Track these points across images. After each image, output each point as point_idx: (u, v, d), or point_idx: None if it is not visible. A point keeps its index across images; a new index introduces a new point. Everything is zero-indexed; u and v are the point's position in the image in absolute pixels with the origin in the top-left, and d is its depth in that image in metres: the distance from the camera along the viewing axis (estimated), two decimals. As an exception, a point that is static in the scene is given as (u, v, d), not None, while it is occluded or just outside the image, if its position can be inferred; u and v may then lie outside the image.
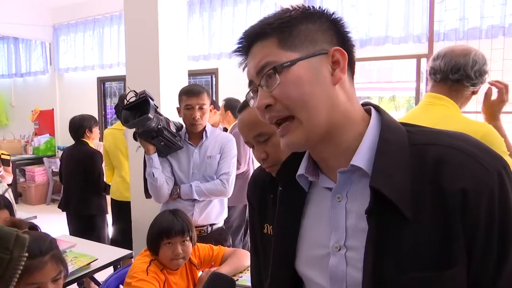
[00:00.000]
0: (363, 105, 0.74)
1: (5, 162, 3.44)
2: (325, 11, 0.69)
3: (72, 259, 2.11)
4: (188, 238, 1.78)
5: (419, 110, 1.60)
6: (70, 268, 1.99)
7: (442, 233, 0.59)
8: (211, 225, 2.27)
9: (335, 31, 0.68)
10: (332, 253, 0.69)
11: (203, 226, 2.25)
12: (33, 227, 1.45)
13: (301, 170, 0.74)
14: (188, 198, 2.18)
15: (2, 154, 3.47)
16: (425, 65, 3.89)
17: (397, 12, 4.03)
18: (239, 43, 0.71)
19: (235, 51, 0.71)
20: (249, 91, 0.72)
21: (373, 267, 0.61)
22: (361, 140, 0.66)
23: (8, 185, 3.59)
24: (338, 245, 0.68)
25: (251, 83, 0.71)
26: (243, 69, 0.73)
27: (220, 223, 2.34)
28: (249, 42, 0.69)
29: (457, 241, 0.59)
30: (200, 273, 1.91)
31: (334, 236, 0.69)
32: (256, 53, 0.68)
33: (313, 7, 0.69)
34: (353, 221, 0.67)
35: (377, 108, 0.72)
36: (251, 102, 0.72)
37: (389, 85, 7.41)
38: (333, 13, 0.69)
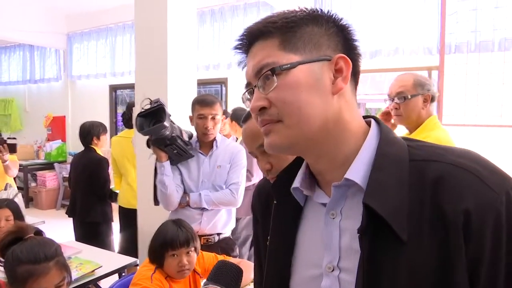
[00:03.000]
0: (365, 117, 0.70)
1: (12, 148, 3.30)
2: (334, 15, 0.65)
3: (77, 265, 2.11)
4: (192, 249, 1.78)
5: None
6: (75, 275, 1.99)
7: (442, 258, 0.55)
8: (218, 234, 2.27)
9: (342, 38, 0.65)
10: (325, 274, 0.65)
11: (211, 235, 2.24)
12: (39, 233, 1.46)
13: (296, 183, 0.70)
14: (197, 207, 2.18)
15: (8, 138, 3.35)
16: (436, 78, 3.87)
17: (408, 23, 4.01)
18: (239, 40, 0.67)
19: (235, 47, 0.68)
20: (245, 92, 0.69)
21: None
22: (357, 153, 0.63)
23: (18, 188, 3.62)
24: (331, 265, 0.64)
25: (248, 84, 0.68)
26: (243, 68, 0.70)
27: (227, 233, 2.33)
28: (250, 40, 0.66)
29: (459, 267, 0.54)
30: (203, 282, 1.89)
31: (327, 256, 0.65)
32: (256, 52, 0.65)
33: (321, 10, 0.65)
34: (347, 241, 0.63)
35: (378, 121, 0.68)
36: (247, 104, 0.70)
37: (400, 96, 7.36)
38: (341, 19, 0.66)
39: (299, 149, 0.66)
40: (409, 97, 1.88)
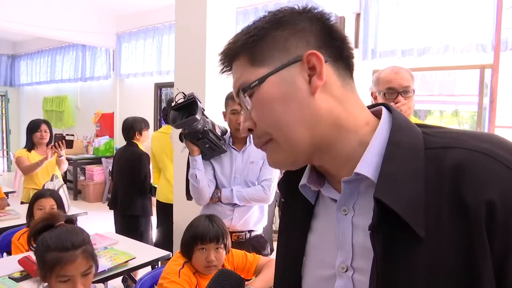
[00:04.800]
0: (374, 106, 0.65)
1: (69, 144, 3.43)
2: (297, 10, 0.61)
3: (112, 255, 2.16)
4: (222, 246, 1.76)
5: None
6: (109, 264, 2.04)
7: (464, 254, 0.49)
8: (250, 231, 2.24)
9: (313, 31, 0.59)
10: (338, 274, 0.60)
11: (242, 232, 2.22)
12: (70, 221, 1.49)
13: (303, 179, 0.66)
14: (228, 202, 2.17)
15: (66, 135, 3.47)
16: (489, 77, 3.62)
17: (459, 18, 3.78)
18: (220, 65, 0.66)
19: (221, 72, 0.66)
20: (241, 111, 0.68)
21: None
22: (367, 146, 0.57)
23: (69, 181, 3.78)
24: (345, 265, 0.59)
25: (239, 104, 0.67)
26: None
27: (259, 231, 2.29)
28: (228, 62, 0.65)
29: (484, 264, 0.49)
30: None
31: (340, 255, 0.60)
32: (233, 73, 0.64)
33: (287, 8, 0.61)
34: (361, 238, 0.58)
35: (389, 108, 0.62)
36: None
37: (452, 98, 7.00)
38: (312, 10, 0.61)
39: (303, 161, 0.63)
40: (414, 91, 1.80)
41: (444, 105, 7.96)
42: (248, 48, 0.60)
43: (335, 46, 0.60)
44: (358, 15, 4.41)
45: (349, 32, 4.48)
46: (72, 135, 3.56)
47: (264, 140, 0.62)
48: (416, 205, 0.52)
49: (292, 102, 0.58)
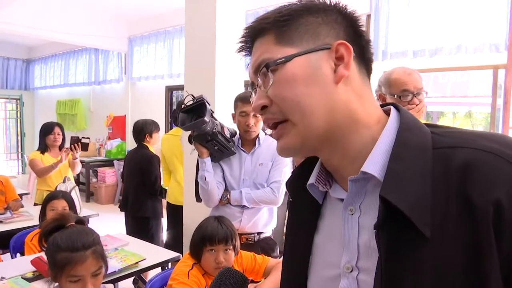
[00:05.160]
0: (383, 105, 0.65)
1: (84, 147, 3.49)
2: (331, 2, 0.62)
3: (122, 256, 2.18)
4: (231, 247, 1.76)
5: None
6: (119, 265, 2.06)
7: (471, 255, 0.49)
8: (259, 233, 2.24)
9: (344, 25, 0.61)
10: (343, 274, 0.60)
11: (251, 234, 2.22)
12: (81, 221, 1.51)
13: (311, 179, 0.66)
14: (237, 204, 2.17)
15: (82, 138, 3.53)
16: (503, 77, 3.57)
17: (471, 17, 3.72)
18: (241, 42, 0.66)
19: (239, 50, 0.66)
20: (251, 93, 0.67)
21: None
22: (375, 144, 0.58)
23: (81, 183, 3.83)
24: (350, 265, 0.59)
25: (252, 83, 0.66)
26: (247, 69, 0.68)
27: (268, 233, 2.29)
28: (250, 39, 0.65)
29: (491, 265, 0.48)
30: None
31: (345, 255, 0.60)
32: (255, 50, 0.64)
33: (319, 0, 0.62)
34: (366, 238, 0.58)
35: (398, 107, 0.62)
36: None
37: (465, 99, 6.90)
38: (344, 6, 0.62)
39: (311, 147, 0.62)
40: (426, 93, 1.80)
41: (457, 107, 7.86)
42: (279, 26, 0.60)
43: (360, 45, 0.62)
44: (368, 16, 4.38)
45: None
46: (88, 138, 3.62)
47: (277, 117, 0.61)
48: (422, 204, 0.51)
49: (315, 86, 0.58)
